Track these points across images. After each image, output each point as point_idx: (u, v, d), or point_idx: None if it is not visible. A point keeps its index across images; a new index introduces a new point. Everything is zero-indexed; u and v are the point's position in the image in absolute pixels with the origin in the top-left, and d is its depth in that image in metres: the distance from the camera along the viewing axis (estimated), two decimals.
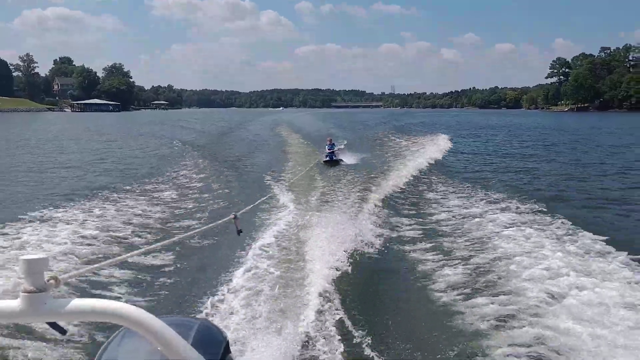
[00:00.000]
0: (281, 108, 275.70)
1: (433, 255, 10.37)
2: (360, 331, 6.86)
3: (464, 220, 13.07)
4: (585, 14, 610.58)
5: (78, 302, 1.19)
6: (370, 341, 6.60)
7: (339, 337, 6.61)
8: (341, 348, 6.35)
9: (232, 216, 3.71)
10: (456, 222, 12.97)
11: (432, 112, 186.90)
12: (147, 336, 1.19)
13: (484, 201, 15.42)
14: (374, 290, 8.83)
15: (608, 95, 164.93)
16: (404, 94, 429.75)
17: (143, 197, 16.24)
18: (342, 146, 30.83)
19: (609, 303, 7.38)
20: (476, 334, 6.90)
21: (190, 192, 17.72)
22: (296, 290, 8.28)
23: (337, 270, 8.99)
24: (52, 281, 1.21)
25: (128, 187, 17.78)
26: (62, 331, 1.29)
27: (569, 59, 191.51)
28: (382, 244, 11.09)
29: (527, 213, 13.45)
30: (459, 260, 9.90)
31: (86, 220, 12.57)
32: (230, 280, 8.67)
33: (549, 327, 6.77)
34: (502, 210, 14.08)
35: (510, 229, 11.84)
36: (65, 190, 17.36)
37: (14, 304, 1.19)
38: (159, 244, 2.54)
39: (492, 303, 7.76)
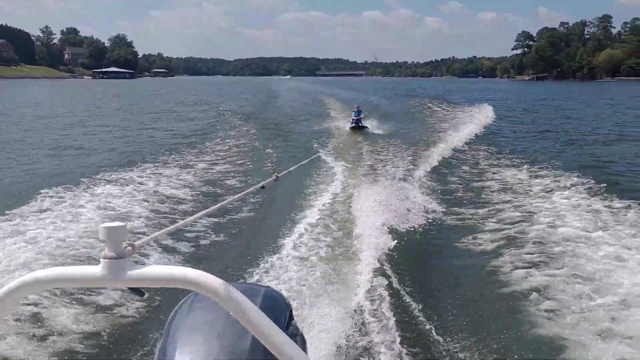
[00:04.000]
0: (288, 76, 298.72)
1: (490, 230, 10.21)
2: (413, 306, 6.91)
3: (521, 194, 12.79)
4: None
5: (156, 269, 1.27)
6: (425, 317, 6.61)
7: (391, 309, 6.71)
8: (392, 320, 6.44)
9: (274, 177, 3.98)
10: (513, 196, 12.65)
11: (406, 80, 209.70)
12: (222, 303, 1.25)
13: (536, 173, 15.23)
14: (426, 263, 8.88)
15: (565, 66, 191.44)
16: (386, 62, 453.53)
17: (194, 162, 17.05)
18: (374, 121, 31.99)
19: None
20: (540, 318, 6.58)
21: (240, 156, 18.76)
22: (348, 260, 8.45)
23: (389, 240, 9.05)
24: (129, 247, 1.30)
25: (181, 152, 18.83)
26: (141, 294, 1.36)
27: (534, 33, 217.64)
28: (433, 215, 11.11)
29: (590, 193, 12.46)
30: (517, 236, 9.66)
31: (143, 185, 13.19)
32: (282, 247, 8.99)
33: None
34: (559, 182, 13.82)
35: (571, 203, 11.54)
36: (118, 157, 18.21)
37: (96, 269, 1.28)
38: (211, 208, 2.48)
39: (558, 284, 7.43)
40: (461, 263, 8.90)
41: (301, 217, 10.85)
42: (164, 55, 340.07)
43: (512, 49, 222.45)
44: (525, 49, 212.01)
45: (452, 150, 19.92)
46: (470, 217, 11.23)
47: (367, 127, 27.30)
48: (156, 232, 1.65)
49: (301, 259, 8.51)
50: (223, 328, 1.69)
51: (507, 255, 8.82)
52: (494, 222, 10.73)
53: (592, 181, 13.44)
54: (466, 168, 16.93)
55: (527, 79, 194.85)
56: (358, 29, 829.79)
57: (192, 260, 8.61)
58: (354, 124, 26.85)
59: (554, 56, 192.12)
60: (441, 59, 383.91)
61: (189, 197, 12.70)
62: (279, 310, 1.87)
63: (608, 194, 12.04)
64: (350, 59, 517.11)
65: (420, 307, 6.91)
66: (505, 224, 10.56)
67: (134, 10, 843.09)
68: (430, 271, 8.56)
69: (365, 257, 8.37)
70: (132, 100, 59.37)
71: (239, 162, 17.93)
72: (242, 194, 3.29)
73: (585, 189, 12.76)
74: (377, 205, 11.00)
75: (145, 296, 1.28)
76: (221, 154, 19.42)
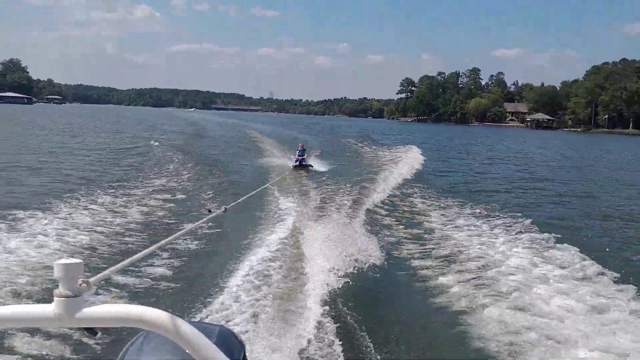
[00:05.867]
0: (193, 109, 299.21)
1: (428, 262, 11.23)
2: (362, 338, 7.41)
3: (452, 228, 14.33)
4: (447, 34, 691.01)
5: (111, 308, 1.21)
6: (372, 348, 7.10)
7: (342, 344, 7.08)
8: (342, 354, 6.82)
9: (223, 209, 3.93)
10: (445, 230, 14.16)
11: (302, 117, 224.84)
12: (179, 342, 1.21)
13: (463, 208, 17.24)
14: (371, 296, 9.49)
15: (441, 111, 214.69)
16: (282, 99, 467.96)
17: (132, 196, 16.93)
18: (318, 153, 33.16)
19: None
20: (476, 339, 7.56)
21: (180, 189, 19.00)
22: (298, 296, 8.69)
23: (336, 276, 9.56)
24: (84, 285, 1.23)
25: (114, 185, 18.48)
26: (94, 333, 1.29)
27: (415, 79, 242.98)
28: (377, 251, 11.70)
29: (510, 224, 14.79)
30: (454, 268, 10.79)
31: (89, 219, 13.01)
32: (233, 284, 9.10)
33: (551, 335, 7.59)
34: (484, 217, 15.83)
35: (494, 233, 13.43)
36: (58, 189, 17.41)
37: (49, 308, 1.21)
38: (162, 242, 2.30)
39: (492, 310, 8.48)
40: (404, 295, 9.80)
41: (251, 253, 11.14)
42: (54, 81, 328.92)
43: (397, 93, 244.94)
44: (408, 93, 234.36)
45: (390, 187, 21.48)
46: (412, 250, 12.36)
47: (311, 166, 27.39)
48: (110, 268, 1.53)
49: (252, 296, 8.66)
50: None
51: (446, 285, 9.85)
52: (434, 255, 11.91)
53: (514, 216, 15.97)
54: (403, 206, 18.25)
55: (409, 120, 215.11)
56: (253, 65, 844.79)
57: (142, 298, 8.56)
58: (297, 163, 27.07)
59: (432, 101, 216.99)
60: (334, 99, 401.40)
61: (139, 231, 12.78)
62: (233, 349, 1.81)
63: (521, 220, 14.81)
64: (246, 94, 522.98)
65: (367, 338, 7.40)
66: (444, 257, 11.77)
67: (12, 29, 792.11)
68: (376, 303, 9.21)
69: (314, 292, 8.76)
70: (59, 127, 58.77)
71: (185, 195, 18.18)
72: (192, 226, 3.21)
73: (516, 224, 14.89)
74: (323, 241, 11.61)
75: (98, 335, 1.24)
76: (167, 186, 19.70)
